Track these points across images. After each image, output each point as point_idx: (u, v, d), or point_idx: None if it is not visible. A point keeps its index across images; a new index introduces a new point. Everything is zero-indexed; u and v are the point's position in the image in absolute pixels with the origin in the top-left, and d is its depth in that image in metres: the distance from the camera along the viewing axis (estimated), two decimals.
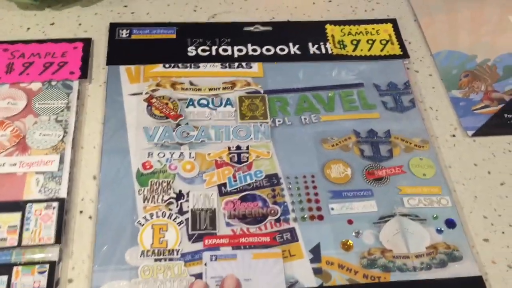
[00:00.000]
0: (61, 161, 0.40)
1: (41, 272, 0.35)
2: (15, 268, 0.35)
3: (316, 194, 0.40)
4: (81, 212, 0.39)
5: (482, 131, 0.46)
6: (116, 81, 0.46)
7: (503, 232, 0.40)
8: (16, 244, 0.36)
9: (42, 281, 0.34)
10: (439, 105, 0.48)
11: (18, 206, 0.37)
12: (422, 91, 0.49)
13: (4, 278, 0.35)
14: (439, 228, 0.39)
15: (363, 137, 0.44)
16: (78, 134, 0.43)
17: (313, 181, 0.41)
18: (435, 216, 0.40)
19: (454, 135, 0.46)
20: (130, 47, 0.49)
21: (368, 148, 0.44)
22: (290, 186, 0.41)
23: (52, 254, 0.36)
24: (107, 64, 0.47)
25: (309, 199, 0.40)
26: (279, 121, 0.45)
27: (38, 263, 0.35)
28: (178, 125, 0.43)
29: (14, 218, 0.37)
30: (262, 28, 0.52)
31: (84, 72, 0.46)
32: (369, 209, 0.40)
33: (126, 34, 0.50)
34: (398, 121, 0.46)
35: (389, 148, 0.44)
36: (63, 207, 0.37)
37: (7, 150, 0.40)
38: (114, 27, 0.50)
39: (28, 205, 0.37)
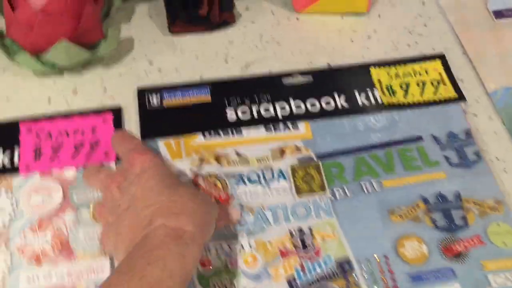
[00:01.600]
0: (112, 265, 0.38)
1: None
2: None
3: (393, 279, 0.39)
4: None
5: None
6: None
7: None
8: None
9: None
10: (505, 155, 0.46)
11: None
12: (484, 137, 0.47)
13: None
14: None
15: (433, 204, 0.43)
16: None
17: (387, 263, 0.39)
18: None
19: None
20: (163, 116, 0.47)
21: (440, 217, 0.42)
22: (364, 272, 0.39)
23: None
24: (143, 138, 0.45)
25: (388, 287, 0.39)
26: (337, 190, 0.43)
27: None
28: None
29: None
30: (302, 79, 0.49)
31: None
32: None
33: (157, 101, 0.47)
34: (466, 179, 0.44)
35: (462, 215, 0.42)
36: None
37: (51, 258, 0.38)
38: (142, 93, 0.48)
39: None
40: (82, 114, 0.46)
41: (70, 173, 0.43)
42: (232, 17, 0.54)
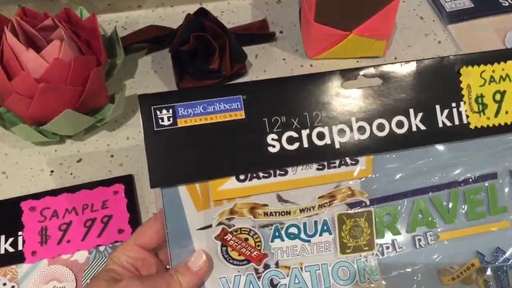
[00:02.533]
0: None
1: None
2: None
3: None
4: None
5: None
6: (178, 212, 0.35)
7: None
8: None
9: None
10: None
11: None
12: None
13: None
14: None
15: (488, 261, 0.40)
16: None
17: None
18: None
19: None
20: (182, 148, 0.35)
21: (494, 278, 0.39)
22: None
23: None
24: (152, 186, 0.34)
25: None
26: (387, 247, 0.38)
27: None
28: (264, 267, 0.36)
29: None
30: (369, 82, 0.37)
31: (135, 226, 0.41)
32: None
33: (168, 118, 0.35)
34: None
35: None
36: None
37: None
38: (146, 106, 0.34)
39: None
40: (91, 186, 0.43)
41: (82, 256, 0.40)
42: (244, 68, 0.52)
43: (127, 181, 0.44)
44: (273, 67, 0.54)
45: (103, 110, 0.46)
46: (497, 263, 0.40)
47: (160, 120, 0.35)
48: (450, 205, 0.39)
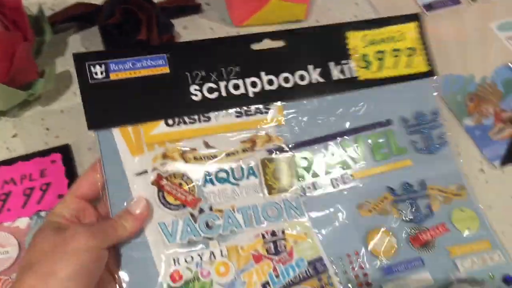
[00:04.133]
0: None
1: None
2: None
3: (365, 275, 0.44)
4: None
5: (508, 159, 0.51)
6: (113, 154, 0.42)
7: None
8: None
9: None
10: (457, 138, 0.53)
11: None
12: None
13: None
14: None
15: (399, 194, 0.48)
16: None
17: (358, 259, 0.44)
18: (491, 275, 0.44)
19: (482, 170, 0.51)
20: (113, 96, 0.43)
21: (407, 207, 0.47)
22: (336, 270, 0.44)
23: None
24: (90, 128, 0.42)
25: (360, 283, 0.43)
26: (308, 188, 0.46)
27: None
28: (199, 211, 0.43)
29: None
30: (272, 43, 0.48)
31: None
32: (425, 283, 0.44)
33: (101, 72, 0.43)
34: (431, 165, 0.49)
35: (427, 203, 0.48)
36: None
37: None
38: (81, 62, 0.42)
39: None
40: (27, 158, 0.49)
41: (23, 222, 0.45)
42: (172, 38, 0.58)
43: (64, 150, 0.50)
44: (202, 37, 0.60)
45: (34, 86, 0.51)
46: (407, 196, 0.48)
47: (94, 74, 0.43)
48: (358, 148, 0.48)
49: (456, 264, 0.45)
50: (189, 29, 0.61)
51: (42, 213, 0.46)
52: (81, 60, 0.43)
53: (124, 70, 0.44)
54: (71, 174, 0.48)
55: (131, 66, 0.44)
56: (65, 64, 0.57)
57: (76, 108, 0.54)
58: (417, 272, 0.44)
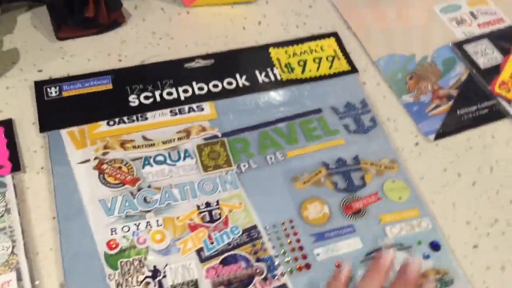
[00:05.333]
0: (19, 277, 0.42)
1: None
2: None
3: (298, 241, 0.46)
4: None
5: (441, 133, 0.55)
6: (60, 150, 0.49)
7: (488, 233, 0.48)
8: None
9: None
10: (395, 115, 0.56)
11: None
12: (375, 103, 0.57)
13: None
14: (425, 254, 0.46)
15: (333, 168, 0.51)
16: (28, 239, 0.44)
17: (292, 227, 0.47)
18: (418, 241, 0.47)
19: (417, 143, 0.54)
20: (64, 107, 0.52)
21: (341, 179, 0.50)
22: (271, 237, 0.46)
23: None
24: (42, 131, 0.50)
25: (293, 248, 0.46)
26: (244, 165, 0.50)
27: None
28: (138, 189, 0.47)
29: None
30: (203, 62, 0.57)
31: (15, 163, 0.48)
32: (354, 247, 0.46)
33: (55, 92, 0.53)
34: (364, 143, 0.53)
35: (361, 175, 0.51)
36: None
37: None
38: (40, 86, 0.54)
39: None
40: None
41: None
42: (122, 16, 0.60)
43: (7, 123, 0.51)
44: (152, 16, 0.62)
45: None
46: (341, 169, 0.51)
47: (49, 94, 0.53)
48: (290, 132, 0.53)
49: (385, 230, 0.47)
50: (139, 9, 0.63)
51: None
52: (40, 84, 0.54)
53: (74, 89, 0.54)
54: (13, 146, 0.50)
55: (80, 85, 0.54)
56: (14, 41, 0.59)
57: (22, 84, 0.55)
58: (348, 238, 0.47)
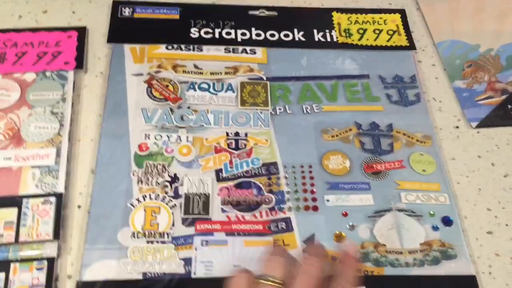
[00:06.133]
0: (58, 154, 0.47)
1: (40, 269, 0.42)
2: (12, 265, 0.42)
3: (312, 184, 0.48)
4: (79, 207, 0.46)
5: (485, 122, 0.54)
6: (120, 60, 0.55)
7: (506, 225, 0.47)
8: (13, 240, 0.42)
9: (41, 278, 0.41)
10: (443, 96, 0.56)
11: (14, 201, 0.44)
12: (426, 82, 0.57)
13: (2, 275, 0.41)
14: (435, 226, 0.46)
15: (365, 130, 0.52)
16: (74, 127, 0.50)
17: (310, 172, 0.48)
18: (432, 213, 0.47)
19: (457, 127, 0.54)
20: (133, 26, 0.58)
21: (369, 141, 0.51)
22: (287, 175, 0.48)
23: (50, 250, 0.42)
24: (108, 41, 0.56)
25: (305, 190, 0.47)
26: (280, 109, 0.52)
27: (36, 259, 0.42)
28: (178, 108, 0.52)
29: (10, 213, 0.44)
30: (267, 13, 0.60)
31: (80, 62, 0.54)
32: (365, 203, 0.47)
33: (129, 12, 0.59)
34: (402, 115, 0.53)
35: (390, 142, 0.51)
36: (61, 202, 0.45)
37: (1, 143, 0.48)
38: (117, 5, 0.59)
39: (25, 200, 0.44)
40: (49, 30, 0.57)
41: (30, 76, 0.53)
42: None
43: (82, 30, 0.57)
44: None
45: None
46: (372, 132, 0.52)
47: (123, 12, 0.59)
48: (332, 90, 0.55)
49: (401, 195, 0.48)
50: None
51: (47, 73, 0.53)
52: (117, 4, 0.60)
53: (146, 13, 0.59)
54: (81, 50, 0.56)
55: (151, 11, 0.59)
56: None
57: (103, 2, 0.61)
58: (361, 193, 0.48)
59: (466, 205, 0.48)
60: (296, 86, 0.55)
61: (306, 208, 0.46)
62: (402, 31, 0.61)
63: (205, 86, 0.54)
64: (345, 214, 0.46)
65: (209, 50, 0.57)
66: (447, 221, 0.47)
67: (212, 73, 0.55)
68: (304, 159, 0.49)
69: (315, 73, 0.56)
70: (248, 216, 0.46)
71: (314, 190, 0.48)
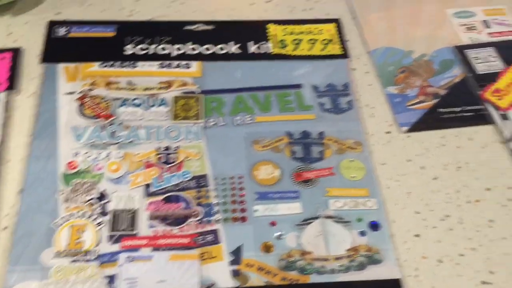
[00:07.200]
0: None
1: None
2: None
3: (241, 195, 0.48)
4: (5, 228, 0.45)
5: (416, 127, 0.54)
6: (53, 80, 0.55)
7: (434, 227, 0.48)
8: None
9: None
10: (375, 102, 0.57)
11: None
12: (359, 89, 0.58)
13: None
14: (362, 231, 0.46)
15: (296, 139, 0.52)
16: (4, 148, 0.50)
17: (240, 183, 0.49)
18: (359, 218, 0.47)
19: (389, 132, 0.54)
20: (67, 45, 0.58)
21: (300, 149, 0.52)
22: (217, 187, 0.48)
23: None
24: (42, 62, 0.56)
25: (234, 201, 0.48)
26: (213, 121, 0.53)
27: None
28: (110, 125, 0.52)
29: None
30: (204, 27, 0.61)
31: (12, 83, 0.54)
32: (293, 211, 0.47)
33: (64, 32, 0.59)
34: (334, 122, 0.54)
35: (321, 150, 0.52)
36: None
37: None
38: (52, 25, 0.60)
39: None
40: None
41: None
42: None
43: (16, 51, 0.58)
44: None
45: None
46: (303, 141, 0.52)
47: (58, 32, 0.60)
48: (265, 101, 0.55)
49: (329, 202, 0.48)
50: None
51: None
52: (53, 24, 0.60)
53: (81, 32, 0.60)
54: (15, 70, 0.56)
55: (87, 29, 0.60)
56: None
57: (39, 23, 0.61)
58: (290, 202, 0.48)
59: (395, 209, 0.49)
60: (230, 98, 0.55)
61: (235, 219, 0.47)
62: (336, 40, 0.61)
63: (138, 102, 0.54)
64: (274, 224, 0.47)
65: (143, 66, 0.57)
66: (374, 226, 0.47)
67: (145, 89, 0.55)
68: (235, 171, 0.50)
69: (249, 84, 0.56)
70: (175, 230, 0.46)
71: (243, 201, 0.48)
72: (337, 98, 0.56)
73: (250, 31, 0.61)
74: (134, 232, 0.45)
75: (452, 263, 0.46)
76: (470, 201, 0.50)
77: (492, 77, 0.59)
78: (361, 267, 0.44)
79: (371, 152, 0.52)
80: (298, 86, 0.57)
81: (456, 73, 0.60)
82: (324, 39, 0.61)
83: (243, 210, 0.47)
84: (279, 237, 0.46)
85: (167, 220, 0.46)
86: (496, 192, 0.50)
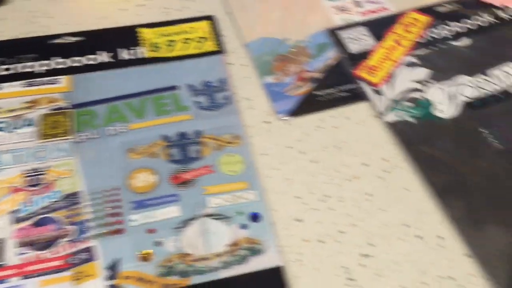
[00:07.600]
0: None
1: None
2: None
3: (118, 207, 0.46)
4: None
5: (294, 113, 0.55)
6: None
7: (315, 209, 0.48)
8: None
9: None
10: (253, 94, 0.56)
11: None
12: (237, 83, 0.57)
13: None
14: (243, 224, 0.46)
15: (173, 141, 0.51)
16: None
17: (116, 194, 0.47)
18: (240, 212, 0.47)
19: (269, 121, 0.54)
20: None
21: (177, 151, 0.51)
22: (92, 202, 0.46)
23: None
24: None
25: (111, 214, 0.46)
26: (85, 136, 0.51)
27: None
28: None
29: None
30: (72, 39, 0.59)
31: None
32: (172, 215, 0.46)
33: None
34: (212, 119, 0.53)
35: (198, 149, 0.51)
36: None
37: None
38: None
39: None
40: None
41: None
42: None
43: None
44: None
45: None
46: (180, 142, 0.51)
47: None
48: (140, 107, 0.54)
49: (207, 201, 0.47)
50: None
51: None
52: None
53: None
54: None
55: None
56: None
57: None
58: (168, 206, 0.47)
59: (276, 198, 0.49)
60: (102, 109, 0.53)
61: (111, 232, 0.45)
62: (211, 36, 0.61)
63: (3, 125, 0.51)
64: (152, 231, 0.45)
65: (8, 88, 0.54)
66: (254, 217, 0.47)
67: (9, 111, 0.52)
68: (109, 183, 0.48)
69: (123, 92, 0.55)
70: (48, 253, 0.43)
71: (119, 212, 0.46)
72: (213, 94, 0.55)
73: (121, 38, 0.60)
74: (1, 263, 0.42)
75: (333, 242, 0.46)
76: (350, 179, 0.50)
77: (365, 55, 0.60)
78: (243, 260, 0.44)
79: (252, 144, 0.52)
80: (173, 88, 0.56)
81: (330, 56, 0.61)
82: (199, 37, 0.60)
83: (119, 222, 0.46)
84: (158, 243, 0.44)
85: (37, 245, 0.44)
86: (372, 166, 0.51)
